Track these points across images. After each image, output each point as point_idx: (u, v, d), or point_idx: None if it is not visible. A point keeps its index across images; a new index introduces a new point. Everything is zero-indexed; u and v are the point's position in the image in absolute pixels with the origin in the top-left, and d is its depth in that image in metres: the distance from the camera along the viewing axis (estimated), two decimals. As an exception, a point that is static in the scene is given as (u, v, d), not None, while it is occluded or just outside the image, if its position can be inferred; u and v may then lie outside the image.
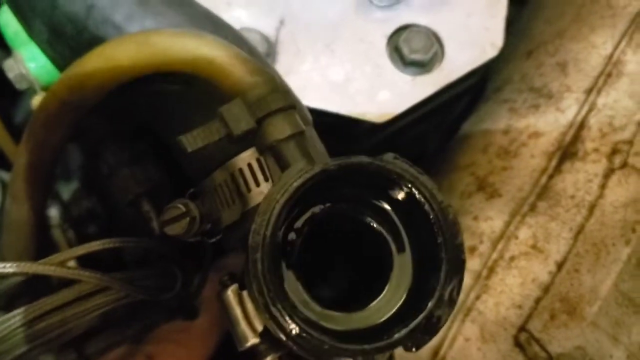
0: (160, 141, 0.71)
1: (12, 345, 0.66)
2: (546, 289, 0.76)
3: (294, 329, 0.44)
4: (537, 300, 0.76)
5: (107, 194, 0.81)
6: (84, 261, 0.77)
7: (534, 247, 0.78)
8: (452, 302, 0.47)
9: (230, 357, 0.80)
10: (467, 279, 0.78)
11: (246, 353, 0.64)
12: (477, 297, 0.77)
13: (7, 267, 0.59)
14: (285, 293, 0.47)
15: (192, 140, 0.50)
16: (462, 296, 0.78)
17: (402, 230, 0.51)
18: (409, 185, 0.48)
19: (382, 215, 0.52)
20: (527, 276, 0.77)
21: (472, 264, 0.79)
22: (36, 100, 0.70)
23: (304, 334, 0.44)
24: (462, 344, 0.76)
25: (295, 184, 0.47)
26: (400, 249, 0.51)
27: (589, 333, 0.74)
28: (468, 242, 0.81)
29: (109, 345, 0.74)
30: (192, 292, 0.78)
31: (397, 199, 0.50)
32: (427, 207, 0.48)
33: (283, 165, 0.51)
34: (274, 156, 0.52)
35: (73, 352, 0.72)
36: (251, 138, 0.52)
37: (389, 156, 0.48)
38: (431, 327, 0.47)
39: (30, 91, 0.74)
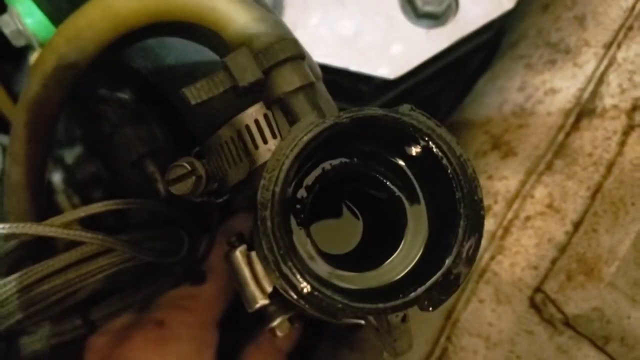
0: (165, 100, 0.68)
1: (13, 308, 0.65)
2: (562, 249, 0.74)
3: (306, 287, 0.43)
4: (553, 261, 0.74)
5: (110, 155, 0.79)
6: (88, 224, 0.75)
7: (550, 206, 0.76)
8: (470, 259, 0.45)
9: (239, 320, 0.80)
10: (482, 240, 0.76)
11: (255, 314, 0.63)
12: (492, 258, 0.75)
13: (7, 228, 0.57)
14: (296, 250, 0.45)
15: (196, 93, 0.47)
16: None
17: (417, 187, 0.49)
18: (426, 139, 0.46)
19: (396, 172, 0.50)
20: (543, 236, 0.75)
21: (487, 224, 0.77)
22: (34, 57, 0.67)
23: (316, 292, 0.42)
24: (476, 306, 0.75)
25: (306, 138, 0.44)
26: (415, 206, 0.49)
27: (607, 294, 0.72)
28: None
29: (114, 311, 0.74)
30: (199, 256, 0.76)
31: (413, 154, 0.48)
32: (445, 161, 0.45)
33: (292, 119, 0.49)
34: (282, 109, 0.49)
35: (78, 317, 0.72)
36: (258, 90, 0.49)
37: (405, 108, 0.46)
38: (449, 286, 0.45)
39: (29, 48, 0.72)
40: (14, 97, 0.99)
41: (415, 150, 0.47)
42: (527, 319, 0.73)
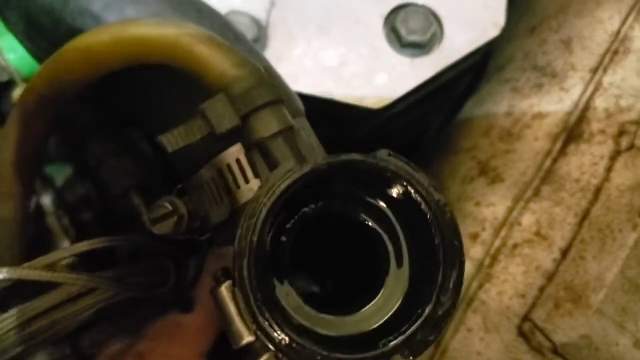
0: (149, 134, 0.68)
1: (3, 347, 0.64)
2: (550, 277, 0.74)
3: (284, 339, 0.42)
4: (541, 289, 0.74)
5: (98, 183, 0.79)
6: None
7: (537, 233, 0.75)
8: (451, 304, 0.44)
9: (226, 354, 0.79)
10: (470, 268, 0.76)
11: (242, 351, 0.63)
12: (480, 286, 0.75)
13: (-10, 272, 0.56)
14: (274, 300, 0.45)
15: (173, 140, 0.47)
16: (464, 285, 0.76)
17: (398, 229, 0.49)
18: (404, 183, 0.45)
19: (377, 214, 0.49)
20: (531, 264, 0.75)
21: (475, 252, 0.77)
22: (16, 94, 0.67)
23: (294, 345, 0.42)
24: (464, 335, 0.75)
25: (283, 186, 0.44)
26: (397, 249, 0.49)
27: (595, 321, 0.72)
28: (470, 228, 0.78)
29: (104, 338, 0.73)
30: (188, 284, 0.76)
31: (393, 197, 0.48)
32: (424, 206, 0.45)
33: (271, 164, 0.49)
34: (261, 153, 0.49)
35: (67, 346, 0.70)
36: (236, 135, 0.49)
37: (383, 153, 0.46)
38: (430, 332, 0.44)
39: (12, 83, 0.72)
40: None
41: (395, 192, 0.47)
42: (516, 347, 0.73)
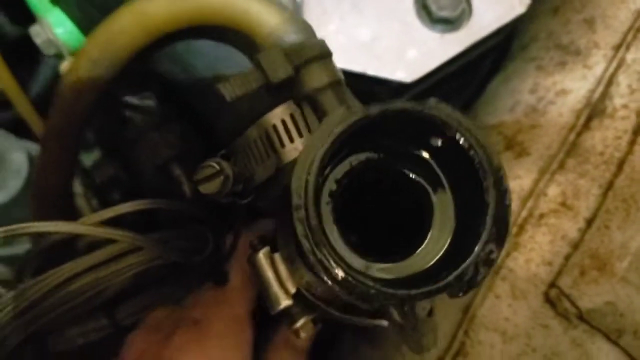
0: (189, 105, 0.71)
1: (44, 308, 0.66)
2: (576, 245, 0.76)
3: (340, 272, 0.44)
4: (567, 257, 0.75)
5: (132, 159, 0.81)
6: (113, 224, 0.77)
7: (563, 204, 0.78)
8: (499, 245, 0.47)
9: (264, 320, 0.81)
10: (497, 237, 0.78)
11: (279, 316, 0.65)
12: (507, 255, 0.77)
13: (46, 226, 0.59)
14: (328, 239, 0.47)
15: (231, 89, 0.49)
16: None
17: (442, 178, 0.51)
18: (453, 130, 0.48)
19: (421, 164, 0.52)
20: (557, 233, 0.76)
21: (502, 222, 0.79)
22: (65, 65, 0.70)
23: (350, 278, 0.44)
24: (492, 301, 0.76)
25: (337, 130, 0.46)
26: (442, 197, 0.51)
27: (620, 288, 0.74)
28: (497, 200, 0.80)
29: (139, 310, 0.75)
30: (224, 255, 0.78)
31: (437, 146, 0.50)
32: (472, 152, 0.47)
33: (321, 115, 0.51)
34: (311, 105, 0.51)
35: (103, 317, 0.73)
36: (288, 87, 0.51)
37: (432, 101, 0.48)
38: (478, 272, 0.46)
39: (58, 57, 0.74)
40: (30, 98, 1.01)
41: (440, 142, 0.49)
42: (542, 313, 0.75)
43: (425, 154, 0.51)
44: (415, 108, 0.47)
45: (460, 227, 0.49)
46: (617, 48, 0.83)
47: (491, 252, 0.46)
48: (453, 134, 0.48)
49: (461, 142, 0.47)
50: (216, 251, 0.74)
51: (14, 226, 0.58)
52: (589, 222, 0.77)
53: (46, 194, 0.74)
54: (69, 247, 0.76)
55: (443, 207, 0.51)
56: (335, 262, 0.45)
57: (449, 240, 0.49)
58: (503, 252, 0.78)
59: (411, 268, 0.49)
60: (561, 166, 0.80)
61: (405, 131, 0.50)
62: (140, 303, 0.75)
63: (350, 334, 0.89)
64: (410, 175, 0.53)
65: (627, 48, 0.82)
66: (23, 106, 0.92)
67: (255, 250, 0.62)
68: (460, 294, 0.46)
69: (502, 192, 0.47)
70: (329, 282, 0.45)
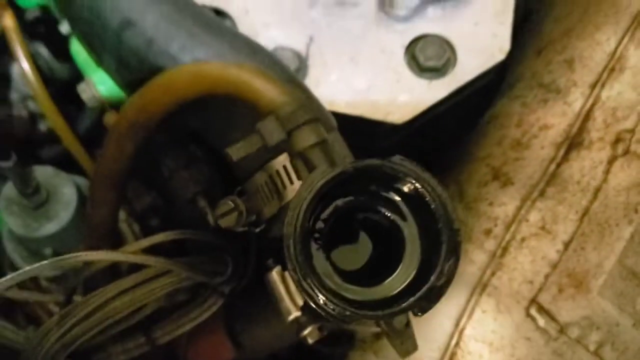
0: (212, 147, 0.83)
1: (92, 322, 0.78)
2: (554, 265, 0.83)
3: (322, 298, 0.56)
4: (547, 276, 0.82)
5: (167, 193, 0.93)
6: (149, 251, 0.89)
7: (542, 228, 0.85)
8: (450, 275, 0.57)
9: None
10: (484, 258, 0.87)
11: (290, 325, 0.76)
12: (493, 274, 0.85)
13: (92, 255, 0.72)
14: (313, 270, 0.58)
15: (236, 151, 0.61)
16: (479, 273, 0.87)
17: (411, 218, 0.62)
18: (414, 181, 0.59)
19: (394, 206, 0.62)
20: (537, 254, 0.84)
21: (488, 245, 0.88)
22: (108, 117, 0.83)
23: (329, 302, 0.56)
24: (480, 315, 0.84)
25: (319, 183, 0.58)
26: (411, 233, 0.62)
27: (595, 304, 0.81)
28: (484, 225, 0.89)
29: (174, 329, 0.84)
30: (241, 277, 0.89)
31: (406, 192, 0.61)
32: (428, 198, 0.58)
33: (310, 168, 0.63)
34: (302, 160, 0.63)
35: (142, 336, 0.82)
36: (283, 146, 0.63)
37: (397, 158, 0.59)
38: (434, 296, 0.57)
39: (100, 109, 0.87)
40: (77, 135, 1.12)
41: (407, 188, 0.60)
42: (525, 326, 0.82)
43: (397, 198, 0.62)
44: (383, 164, 0.58)
45: (423, 261, 0.60)
46: (593, 86, 0.91)
47: (443, 282, 0.57)
48: (413, 184, 0.58)
49: (420, 190, 0.58)
50: (235, 274, 0.86)
51: (65, 256, 0.71)
52: (567, 245, 0.84)
53: (97, 225, 0.86)
54: (113, 270, 0.89)
55: (412, 242, 0.61)
56: (318, 289, 0.56)
57: (414, 273, 0.59)
58: (489, 271, 0.88)
59: (381, 293, 0.59)
60: (542, 194, 0.87)
61: (380, 179, 0.61)
62: (174, 323, 0.86)
63: (357, 345, 0.99)
64: (386, 214, 0.63)
65: (602, 86, 0.90)
66: (70, 142, 1.04)
67: (269, 269, 0.73)
68: (419, 314, 0.57)
69: (453, 232, 0.57)
70: (313, 305, 0.56)
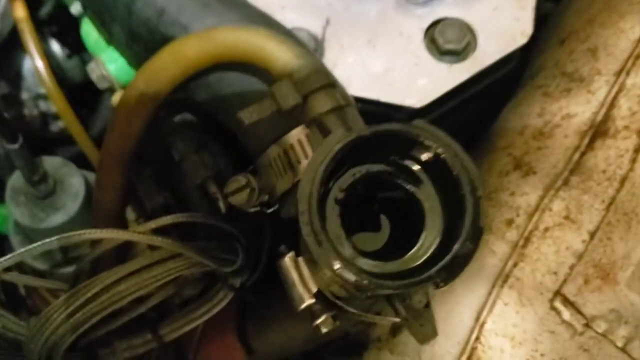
0: (223, 130, 0.81)
1: (96, 307, 0.75)
2: (580, 256, 0.80)
3: (338, 264, 0.52)
4: (572, 267, 0.79)
5: (176, 180, 0.91)
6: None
7: (567, 218, 0.82)
8: (474, 243, 0.54)
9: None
10: (505, 248, 0.83)
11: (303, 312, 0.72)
12: (515, 265, 0.82)
13: (98, 233, 0.69)
14: (328, 236, 0.55)
15: (249, 115, 0.59)
16: (500, 264, 0.83)
17: (432, 187, 0.59)
18: (435, 146, 0.56)
19: (413, 175, 0.59)
20: (561, 245, 0.81)
21: (510, 235, 0.84)
22: (116, 97, 0.81)
23: (345, 269, 0.52)
24: (501, 308, 0.81)
25: (336, 147, 0.55)
26: (431, 204, 0.59)
27: (623, 296, 0.77)
28: (506, 215, 0.86)
29: (182, 325, 0.82)
30: (253, 269, 0.86)
31: (426, 159, 0.58)
32: (451, 164, 0.55)
33: (326, 135, 0.60)
34: (318, 127, 0.60)
35: (148, 332, 0.80)
36: (298, 112, 0.60)
37: (418, 122, 0.56)
38: (457, 266, 0.54)
39: (110, 91, 0.86)
40: (91, 138, 1.11)
41: (427, 156, 0.57)
42: (549, 320, 0.78)
43: (416, 167, 0.59)
44: (402, 128, 0.56)
45: (445, 231, 0.57)
46: (618, 74, 0.88)
47: (467, 250, 0.53)
48: (436, 149, 0.56)
49: (442, 155, 0.55)
50: (246, 265, 0.83)
51: (70, 233, 0.68)
52: (592, 234, 0.81)
53: (103, 210, 0.84)
54: (120, 257, 0.86)
55: (432, 213, 0.58)
56: (333, 254, 0.53)
57: (436, 243, 0.56)
58: (510, 263, 0.84)
59: (402, 265, 0.56)
60: (565, 183, 0.84)
61: (398, 147, 0.59)
62: (182, 319, 0.83)
63: (372, 343, 0.96)
64: (405, 185, 0.61)
65: (627, 73, 0.88)
66: (85, 143, 1.03)
67: (282, 255, 0.70)
68: (441, 285, 0.54)
69: (477, 198, 0.54)
70: (328, 273, 0.53)
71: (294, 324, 0.88)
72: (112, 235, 0.70)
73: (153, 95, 0.70)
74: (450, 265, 0.54)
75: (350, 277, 0.52)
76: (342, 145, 0.55)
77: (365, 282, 0.53)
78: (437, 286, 0.54)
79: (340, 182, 0.59)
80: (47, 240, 0.69)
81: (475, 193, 0.54)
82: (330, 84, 0.60)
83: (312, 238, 0.53)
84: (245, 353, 0.94)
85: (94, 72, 0.82)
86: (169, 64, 0.67)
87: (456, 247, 0.54)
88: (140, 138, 0.75)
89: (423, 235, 0.58)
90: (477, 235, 0.54)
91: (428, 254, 0.57)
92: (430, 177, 0.58)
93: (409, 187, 0.60)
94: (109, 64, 0.82)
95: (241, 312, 0.93)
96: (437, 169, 0.57)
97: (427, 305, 0.62)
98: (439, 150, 0.56)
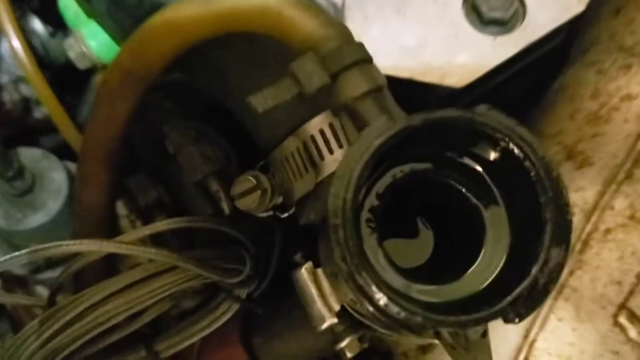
0: (227, 118, 0.69)
1: (76, 332, 0.64)
2: None
3: (382, 298, 0.40)
4: (638, 276, 0.70)
5: (173, 177, 0.80)
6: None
7: (632, 217, 0.72)
8: (558, 267, 0.42)
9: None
10: (559, 254, 0.73)
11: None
12: (571, 273, 0.72)
13: (77, 244, 0.57)
14: (369, 260, 0.43)
15: (263, 100, 0.46)
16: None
17: (496, 192, 0.47)
18: (506, 140, 0.43)
19: (471, 177, 0.48)
20: (626, 249, 0.71)
21: (564, 238, 0.74)
22: (99, 78, 0.69)
23: (394, 304, 0.40)
24: (555, 325, 0.72)
25: (377, 142, 0.43)
26: (494, 213, 0.47)
27: None
28: (557, 214, 0.76)
29: (179, 341, 0.74)
30: (261, 279, 0.75)
31: (489, 157, 0.46)
32: (527, 163, 0.43)
33: (361, 125, 0.48)
34: (350, 115, 0.48)
35: (142, 348, 0.72)
36: (325, 96, 0.48)
37: (482, 108, 0.44)
38: (535, 296, 0.42)
39: (94, 71, 0.74)
40: (77, 126, 1.02)
41: (493, 153, 0.45)
42: (612, 338, 0.70)
43: (476, 165, 0.47)
44: (463, 116, 0.43)
45: (515, 247, 0.45)
46: (688, 46, 0.77)
47: (551, 273, 0.41)
48: (506, 144, 0.43)
49: (515, 152, 0.43)
50: (254, 274, 0.71)
51: (44, 245, 0.56)
52: None
53: (87, 210, 0.73)
54: (109, 269, 0.75)
55: (496, 224, 0.47)
56: (378, 286, 0.41)
57: (502, 262, 0.44)
58: (565, 270, 0.73)
59: (460, 291, 0.44)
60: (628, 176, 0.74)
61: (453, 141, 0.46)
62: (180, 334, 0.74)
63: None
64: (459, 188, 0.48)
65: (700, 46, 0.76)
66: (69, 131, 0.93)
67: (298, 266, 0.60)
68: (517, 320, 0.42)
69: (562, 207, 0.42)
70: (370, 309, 0.41)
71: (305, 333, 0.78)
72: (93, 248, 0.58)
73: (141, 74, 0.57)
74: (527, 296, 0.41)
75: (400, 313, 0.40)
76: (385, 139, 0.43)
77: (418, 319, 0.40)
78: (509, 321, 0.42)
79: (378, 185, 0.47)
80: (15, 254, 0.57)
81: (558, 200, 0.42)
82: (366, 59, 0.48)
83: (348, 263, 0.41)
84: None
85: (72, 48, 0.70)
86: (160, 35, 0.54)
87: (534, 271, 0.42)
88: (126, 126, 0.63)
89: (483, 252, 0.46)
90: (559, 256, 0.42)
91: (493, 276, 0.45)
92: (495, 180, 0.46)
93: (465, 191, 0.48)
94: (90, 39, 0.70)
95: (246, 318, 0.84)
96: (505, 168, 0.45)
97: (484, 334, 0.50)
98: (511, 145, 0.43)
